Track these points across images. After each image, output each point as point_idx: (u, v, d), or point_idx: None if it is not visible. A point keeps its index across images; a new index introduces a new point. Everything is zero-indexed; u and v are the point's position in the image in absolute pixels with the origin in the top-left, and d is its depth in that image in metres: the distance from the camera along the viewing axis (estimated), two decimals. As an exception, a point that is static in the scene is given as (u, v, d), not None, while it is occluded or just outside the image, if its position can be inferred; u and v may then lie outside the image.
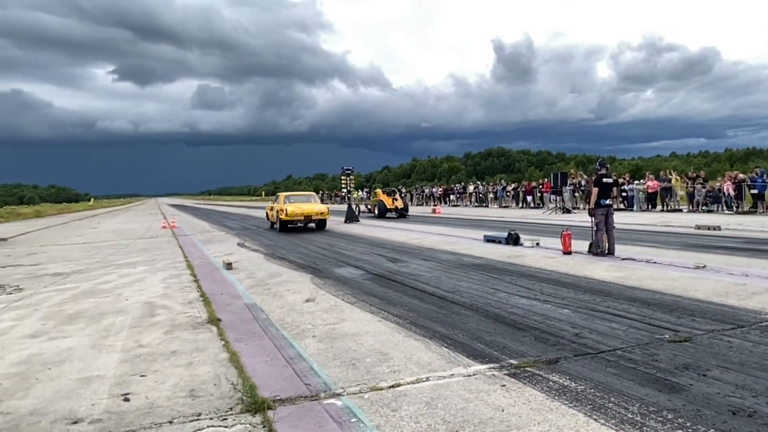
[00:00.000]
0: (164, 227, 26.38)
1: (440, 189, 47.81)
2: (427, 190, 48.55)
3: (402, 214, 27.58)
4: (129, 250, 16.19)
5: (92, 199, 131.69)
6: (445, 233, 17.00)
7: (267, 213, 23.94)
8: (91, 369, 5.14)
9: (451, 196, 43.64)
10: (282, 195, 22.59)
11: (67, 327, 6.77)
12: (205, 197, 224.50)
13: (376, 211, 28.39)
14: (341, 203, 56.16)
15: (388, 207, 27.83)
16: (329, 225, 22.29)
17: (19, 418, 4.10)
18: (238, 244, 16.30)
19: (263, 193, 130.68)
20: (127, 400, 4.37)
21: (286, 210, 20.53)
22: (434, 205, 37.59)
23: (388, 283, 8.81)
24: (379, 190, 31.47)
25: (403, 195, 34.26)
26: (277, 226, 21.28)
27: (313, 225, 21.76)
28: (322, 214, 20.76)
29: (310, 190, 60.54)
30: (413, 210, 33.98)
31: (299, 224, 20.71)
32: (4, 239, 21.94)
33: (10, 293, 9.27)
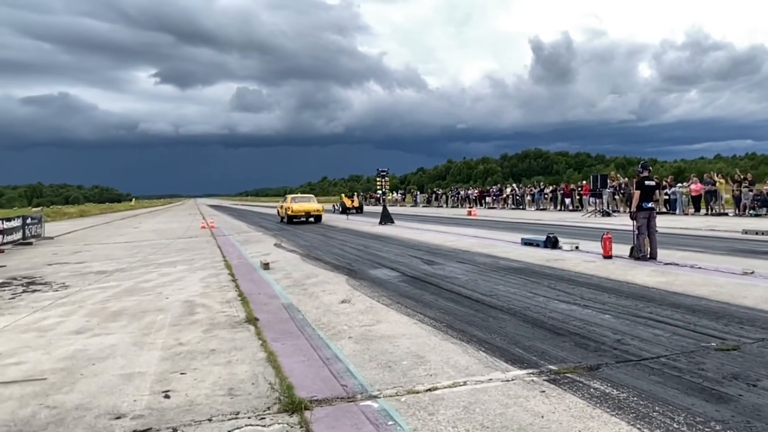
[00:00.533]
0: (203, 227, 26.78)
1: (476, 191, 47.36)
2: (462, 192, 48.10)
3: (359, 210, 40.52)
4: (169, 249, 16.44)
5: (134, 199, 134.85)
6: (482, 236, 16.84)
7: (278, 210, 30.90)
8: (133, 366, 5.25)
9: (487, 199, 43.23)
10: (289, 197, 29.53)
11: (110, 324, 6.90)
12: (243, 198, 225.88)
13: (341, 209, 40.56)
14: (376, 204, 55.60)
15: (348, 206, 40.02)
16: (364, 227, 22.86)
17: (65, 413, 4.20)
18: (275, 245, 16.38)
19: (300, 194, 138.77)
20: (167, 397, 4.45)
21: (291, 208, 27.36)
22: (470, 208, 37.30)
23: (423, 285, 8.74)
24: (342, 195, 47.01)
25: (359, 195, 53.09)
26: (285, 220, 28.19)
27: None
28: (317, 211, 27.45)
29: (346, 192, 64.15)
30: (448, 212, 35.40)
31: (302, 219, 27.30)
32: (51, 238, 22.58)
33: (57, 290, 9.50)
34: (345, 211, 39.65)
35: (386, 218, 24.76)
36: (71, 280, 10.52)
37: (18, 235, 20.30)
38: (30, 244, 20.29)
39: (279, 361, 5.18)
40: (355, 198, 43.72)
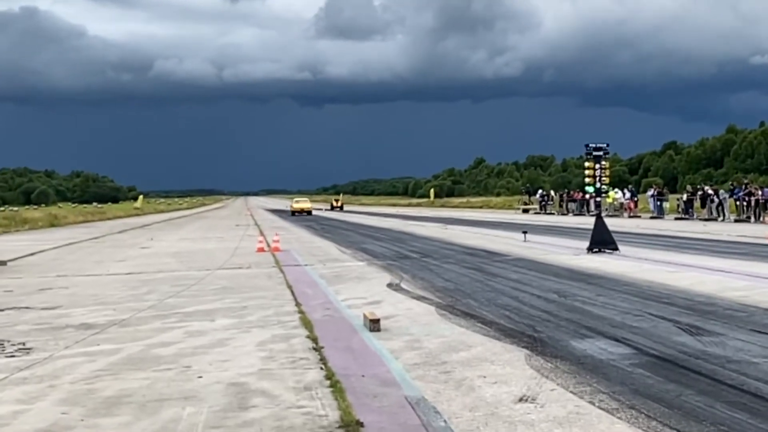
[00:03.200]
0: (261, 249, 19.43)
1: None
2: (762, 193, 28.58)
3: (341, 209, 55.29)
4: (202, 288, 12.20)
5: (141, 197, 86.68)
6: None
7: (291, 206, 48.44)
8: None
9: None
10: (293, 198, 59.63)
11: (103, 421, 5.06)
12: (330, 197, 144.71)
13: (330, 207, 55.07)
14: (580, 211, 38.30)
15: (333, 206, 54.94)
16: (557, 256, 16.08)
17: None
18: (390, 285, 11.95)
19: (432, 193, 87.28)
20: None
21: (292, 206, 49.13)
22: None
23: (681, 375, 5.90)
24: (333, 199, 67.27)
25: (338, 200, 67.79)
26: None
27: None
28: (309, 208, 49.06)
29: (520, 189, 60.39)
30: (727, 229, 23.59)
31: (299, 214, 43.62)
32: (3, 263, 16.44)
33: (12, 356, 7.14)
34: (332, 209, 56.18)
35: (602, 241, 16.21)
36: (36, 339, 7.99)
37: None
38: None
39: None
40: (340, 198, 66.46)
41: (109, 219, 50.44)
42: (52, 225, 37.69)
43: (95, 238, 27.93)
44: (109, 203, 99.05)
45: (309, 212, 49.37)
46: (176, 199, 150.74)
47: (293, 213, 49.29)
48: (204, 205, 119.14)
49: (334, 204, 65.57)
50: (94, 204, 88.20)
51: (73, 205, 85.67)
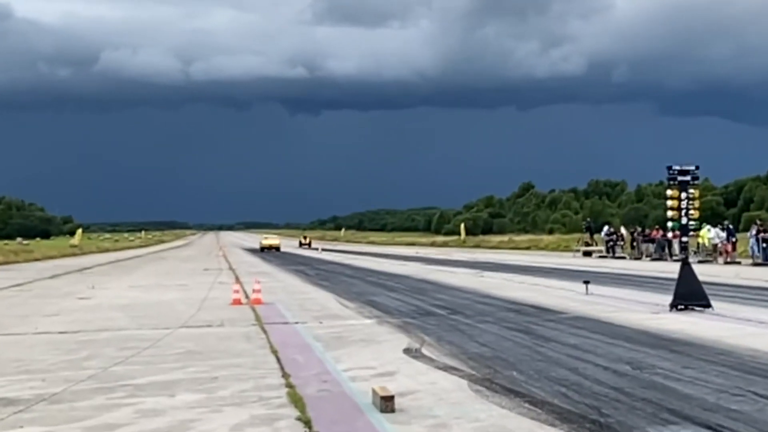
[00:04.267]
0: (237, 302, 18.00)
1: None
2: None
3: (309, 246, 73.37)
4: (159, 352, 11.36)
5: (79, 231, 78.65)
6: None
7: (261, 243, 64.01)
8: None
9: None
10: (263, 235, 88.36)
11: None
12: (328, 233, 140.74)
13: (299, 244, 76.17)
14: (660, 255, 35.41)
15: (302, 243, 76.36)
16: (630, 318, 14.49)
17: None
18: (407, 351, 11.00)
19: (463, 229, 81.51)
20: None
21: (261, 242, 65.43)
22: None
23: None
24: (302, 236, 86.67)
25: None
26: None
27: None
28: (278, 244, 63.44)
29: (580, 225, 57.15)
30: None
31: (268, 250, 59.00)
32: None
33: None
34: (301, 246, 72.88)
35: (689, 294, 14.78)
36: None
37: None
38: None
39: None
40: (308, 237, 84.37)
41: (37, 260, 46.84)
42: (-37, 267, 36.07)
43: (19, 285, 25.82)
44: (38, 239, 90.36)
45: (278, 248, 61.41)
46: (125, 235, 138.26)
47: (262, 249, 61.56)
48: (162, 242, 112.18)
49: (303, 241, 78.24)
50: (18, 240, 78.93)
51: (-9, 242, 78.82)
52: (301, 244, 76.83)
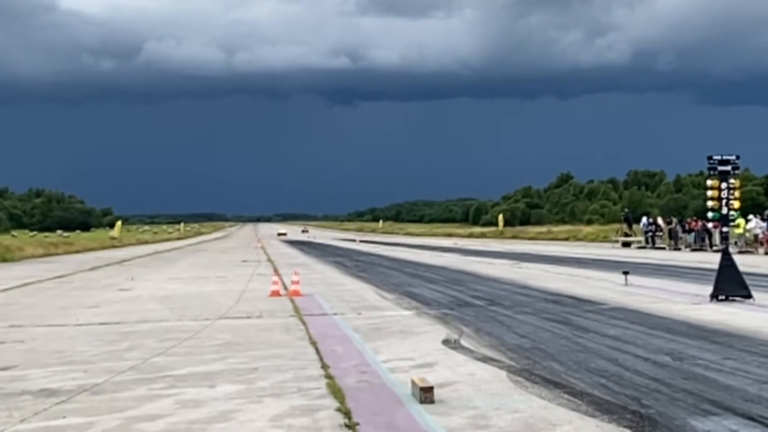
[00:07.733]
0: (276, 293, 18.09)
1: None
2: None
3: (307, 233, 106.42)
4: (199, 343, 11.40)
5: (118, 223, 79.84)
6: None
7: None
8: None
9: None
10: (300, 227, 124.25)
11: None
12: (366, 225, 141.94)
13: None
14: (700, 245, 33.36)
15: (303, 231, 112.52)
16: (670, 309, 14.51)
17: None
18: (446, 342, 11.00)
19: (501, 220, 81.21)
20: None
21: (278, 231, 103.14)
22: None
23: None
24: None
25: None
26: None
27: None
28: (284, 233, 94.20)
29: (619, 215, 54.13)
30: None
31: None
32: None
33: None
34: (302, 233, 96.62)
35: (730, 285, 14.64)
36: (-17, 410, 7.91)
37: None
38: None
39: None
40: (308, 230, 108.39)
41: (77, 252, 47.31)
42: (4, 260, 35.99)
43: (60, 276, 26.32)
44: (78, 231, 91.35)
45: (285, 234, 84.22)
46: (164, 227, 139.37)
47: (278, 235, 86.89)
48: (201, 234, 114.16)
49: (303, 230, 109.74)
50: (59, 232, 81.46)
51: (32, 234, 79.53)
52: (302, 232, 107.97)
